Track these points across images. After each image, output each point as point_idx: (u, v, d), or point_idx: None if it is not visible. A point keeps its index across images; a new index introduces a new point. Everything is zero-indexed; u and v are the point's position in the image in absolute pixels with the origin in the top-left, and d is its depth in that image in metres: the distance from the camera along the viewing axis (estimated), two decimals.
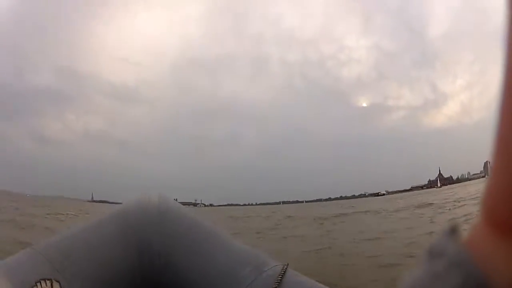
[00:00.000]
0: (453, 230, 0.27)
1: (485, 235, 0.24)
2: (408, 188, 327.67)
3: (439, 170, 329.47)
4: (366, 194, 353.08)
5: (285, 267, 1.29)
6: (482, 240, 0.24)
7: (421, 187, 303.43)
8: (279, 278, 1.22)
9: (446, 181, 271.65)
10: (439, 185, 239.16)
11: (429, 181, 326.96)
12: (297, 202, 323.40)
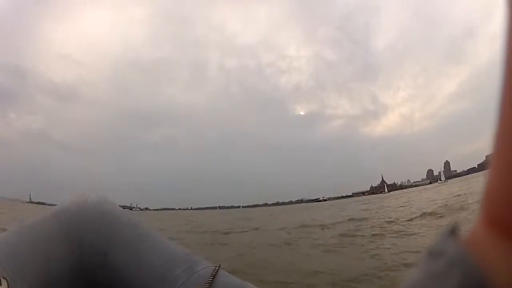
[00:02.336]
0: (453, 230, 0.27)
1: (484, 235, 0.24)
2: (349, 194, 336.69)
3: (382, 177, 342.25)
4: (303, 200, 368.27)
5: (217, 268, 1.30)
6: (482, 240, 0.24)
7: (363, 193, 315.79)
8: (210, 279, 1.23)
9: (390, 187, 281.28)
10: (386, 190, 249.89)
11: (371, 187, 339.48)
12: (233, 207, 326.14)
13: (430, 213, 12.56)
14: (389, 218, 13.53)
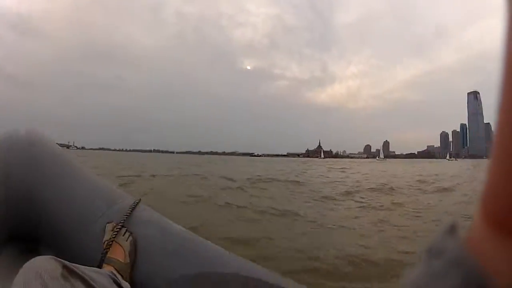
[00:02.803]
0: (452, 229, 0.27)
1: (484, 234, 0.24)
2: (284, 153, 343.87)
3: (319, 143, 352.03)
4: (237, 152, 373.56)
5: (137, 201, 1.43)
6: (481, 239, 0.24)
7: (298, 155, 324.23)
8: (129, 210, 1.35)
9: (327, 154, 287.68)
10: (322, 156, 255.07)
11: (307, 150, 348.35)
12: (168, 152, 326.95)
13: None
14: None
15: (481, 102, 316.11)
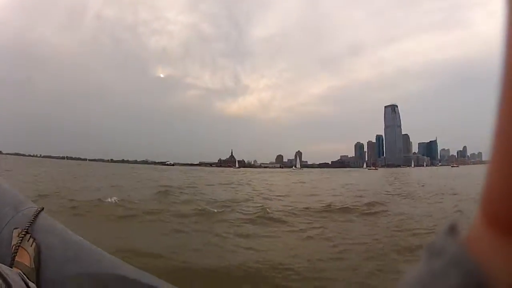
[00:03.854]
0: (452, 229, 0.27)
1: (484, 234, 0.24)
2: (196, 162, 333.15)
3: (232, 152, 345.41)
4: (149, 161, 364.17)
5: (39, 209, 1.48)
6: (481, 239, 0.24)
7: (210, 165, 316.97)
8: (32, 218, 1.41)
9: (240, 163, 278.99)
10: (237, 165, 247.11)
11: (219, 160, 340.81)
12: (80, 159, 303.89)
13: None
14: None
15: (399, 115, 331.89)
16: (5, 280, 0.98)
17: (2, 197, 1.47)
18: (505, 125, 0.22)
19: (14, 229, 1.36)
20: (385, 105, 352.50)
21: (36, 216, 1.41)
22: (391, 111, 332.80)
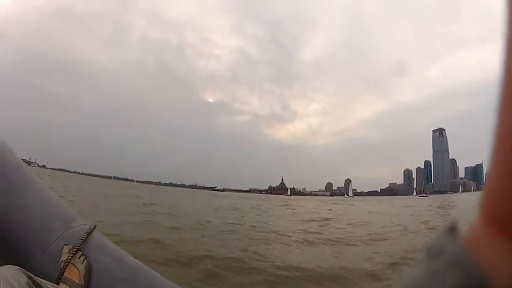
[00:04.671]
0: (452, 229, 0.27)
1: (484, 235, 0.24)
2: (246, 189, 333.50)
3: (282, 179, 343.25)
4: (197, 185, 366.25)
5: (92, 227, 1.48)
6: (481, 240, 0.24)
7: (260, 191, 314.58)
8: (84, 236, 1.40)
9: (292, 191, 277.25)
10: (289, 193, 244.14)
11: (270, 187, 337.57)
12: (127, 180, 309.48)
13: None
14: None
15: (446, 139, 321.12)
16: None
17: (54, 212, 1.48)
18: (505, 126, 0.23)
19: (64, 245, 1.36)
20: (432, 128, 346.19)
21: (89, 233, 1.41)
22: (439, 135, 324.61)
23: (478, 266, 0.23)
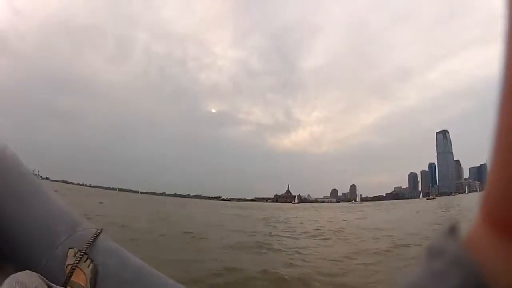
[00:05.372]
0: (452, 229, 0.26)
1: (484, 235, 0.24)
2: (252, 198, 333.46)
3: (288, 187, 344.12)
4: (202, 195, 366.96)
5: (99, 231, 1.46)
6: (481, 240, 0.24)
7: (266, 200, 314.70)
8: (91, 240, 1.38)
9: (299, 199, 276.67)
10: (296, 201, 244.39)
11: (276, 195, 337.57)
12: (131, 191, 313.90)
13: None
14: None
15: (450, 141, 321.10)
16: None
17: (59, 216, 1.47)
18: (505, 127, 0.23)
19: (69, 248, 1.35)
20: (435, 130, 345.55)
21: (95, 237, 1.41)
22: (443, 137, 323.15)
23: (478, 266, 0.23)
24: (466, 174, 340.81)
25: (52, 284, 0.96)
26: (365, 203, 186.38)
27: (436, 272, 0.24)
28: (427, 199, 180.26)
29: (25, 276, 0.90)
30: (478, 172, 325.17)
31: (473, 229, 0.25)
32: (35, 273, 0.93)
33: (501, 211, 0.23)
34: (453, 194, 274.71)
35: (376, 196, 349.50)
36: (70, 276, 1.25)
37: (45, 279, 0.94)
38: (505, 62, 0.23)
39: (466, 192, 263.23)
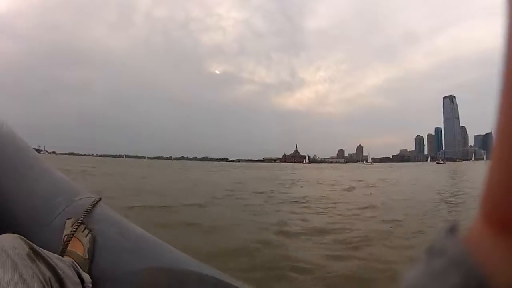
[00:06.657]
0: (452, 229, 0.26)
1: (484, 233, 0.24)
2: (261, 159, 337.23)
3: (296, 147, 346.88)
4: (209, 157, 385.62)
5: (97, 200, 1.45)
6: (481, 239, 0.24)
7: (274, 160, 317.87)
8: (89, 208, 1.37)
9: (310, 159, 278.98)
10: (307, 161, 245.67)
11: (284, 155, 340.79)
12: (138, 157, 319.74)
13: None
14: None
15: (457, 106, 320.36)
16: (55, 273, 0.93)
17: (57, 187, 1.44)
18: (505, 124, 0.23)
19: (67, 219, 1.32)
20: (442, 95, 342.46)
21: (93, 206, 1.37)
22: (449, 102, 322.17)
23: (478, 266, 0.23)
24: (471, 142, 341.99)
25: (41, 249, 0.93)
26: (375, 164, 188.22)
27: (436, 271, 0.24)
28: (437, 163, 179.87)
29: (9, 239, 0.87)
30: (484, 140, 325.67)
31: (473, 228, 0.25)
32: (18, 236, 0.89)
33: (501, 210, 0.23)
34: (457, 160, 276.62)
35: (383, 158, 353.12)
36: (67, 245, 1.22)
37: (33, 244, 0.91)
38: (505, 62, 0.23)
39: (473, 159, 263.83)
